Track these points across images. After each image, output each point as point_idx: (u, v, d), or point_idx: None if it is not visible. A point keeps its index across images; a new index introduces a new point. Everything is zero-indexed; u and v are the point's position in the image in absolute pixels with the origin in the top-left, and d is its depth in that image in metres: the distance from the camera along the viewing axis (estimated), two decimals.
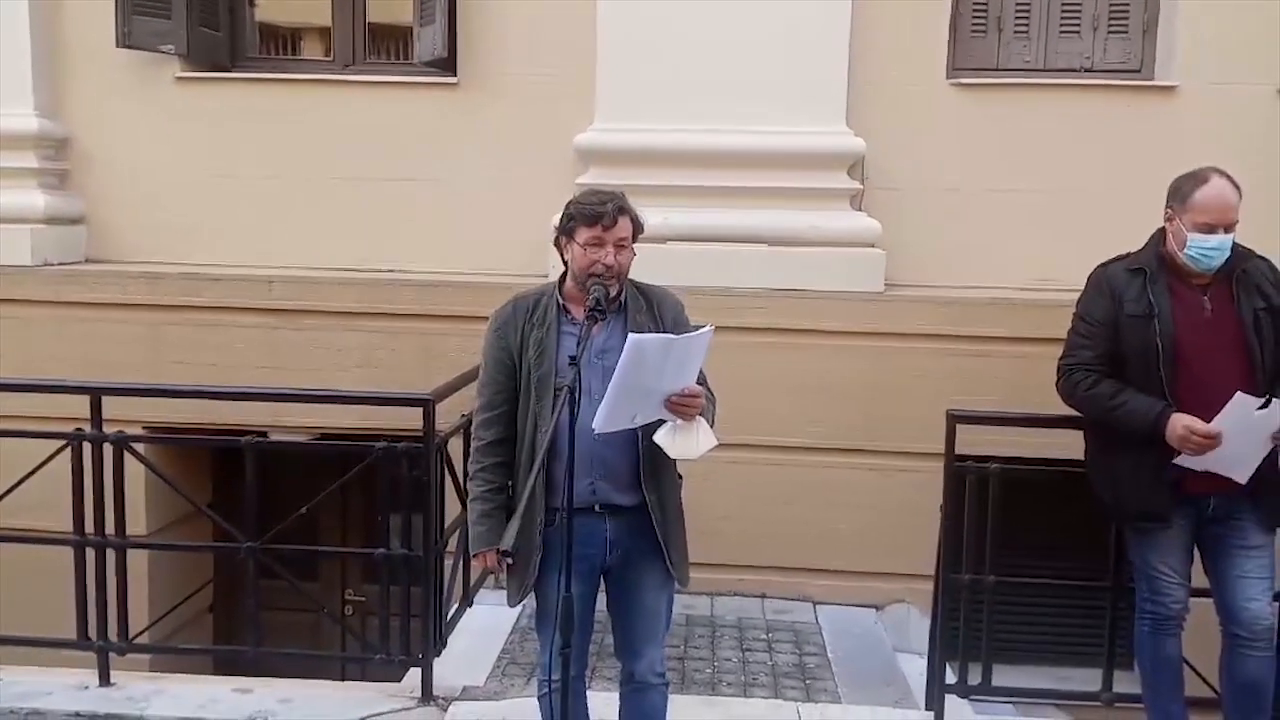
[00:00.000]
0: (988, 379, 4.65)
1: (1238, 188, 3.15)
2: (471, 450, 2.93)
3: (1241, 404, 2.97)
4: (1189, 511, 3.18)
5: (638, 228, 2.80)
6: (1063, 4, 5.16)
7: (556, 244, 2.83)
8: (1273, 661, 3.16)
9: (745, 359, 4.53)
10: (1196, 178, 3.18)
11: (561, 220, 2.79)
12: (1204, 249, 3.11)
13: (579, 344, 2.58)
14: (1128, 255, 3.30)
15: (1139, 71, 5.15)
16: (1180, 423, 3.03)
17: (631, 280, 2.84)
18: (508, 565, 2.75)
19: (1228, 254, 3.13)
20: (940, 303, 4.81)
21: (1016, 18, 5.19)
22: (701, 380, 2.78)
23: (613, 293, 2.74)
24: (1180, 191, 3.20)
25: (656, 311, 2.83)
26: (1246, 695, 3.18)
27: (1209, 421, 3.01)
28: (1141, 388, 3.13)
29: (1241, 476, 3.09)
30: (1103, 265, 3.33)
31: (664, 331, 2.74)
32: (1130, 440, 3.16)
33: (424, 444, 3.71)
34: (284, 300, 5.04)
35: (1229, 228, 3.12)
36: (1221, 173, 3.16)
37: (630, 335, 2.54)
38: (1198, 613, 3.29)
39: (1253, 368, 3.09)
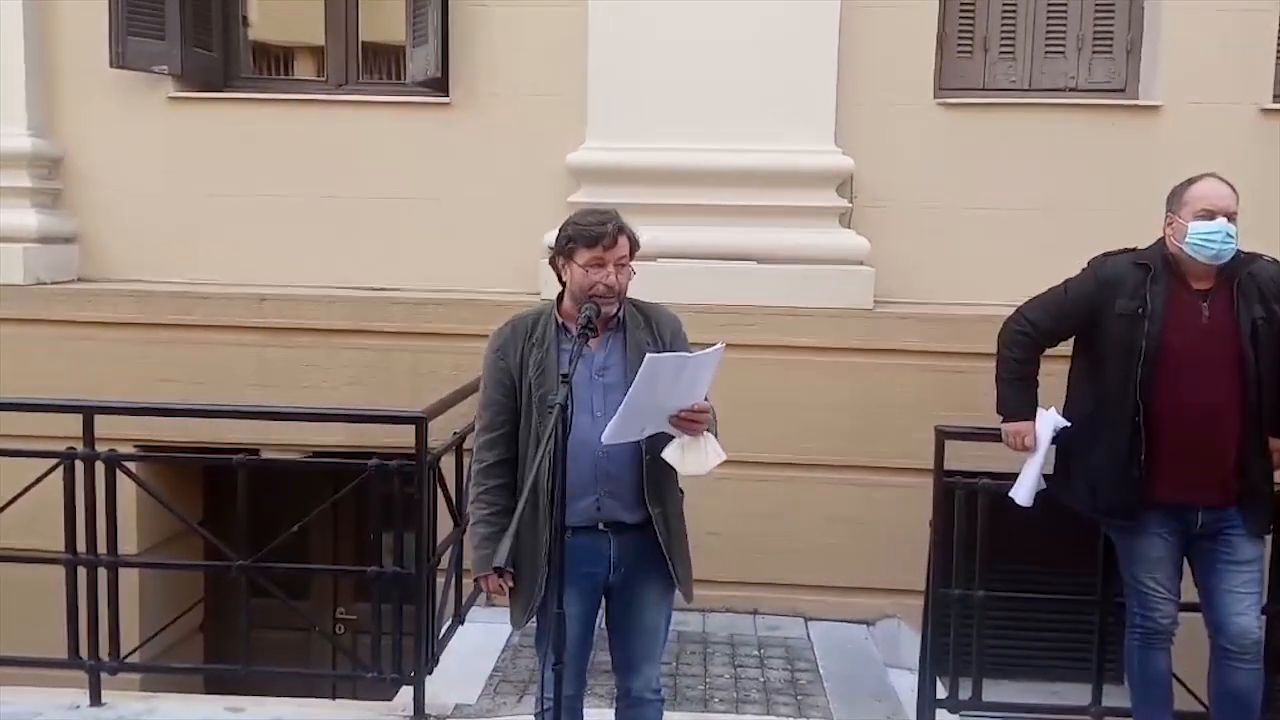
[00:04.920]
0: (976, 395, 4.64)
1: (1234, 190, 3.13)
2: (473, 472, 2.88)
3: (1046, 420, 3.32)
4: (1177, 526, 3.19)
5: (635, 245, 2.79)
6: (1048, 25, 5.22)
7: (553, 263, 2.81)
8: (1260, 675, 3.17)
9: (734, 375, 4.49)
10: (1189, 179, 3.20)
11: (559, 241, 2.77)
12: (1205, 235, 3.05)
13: (570, 361, 2.59)
14: (1135, 249, 3.26)
15: (1123, 91, 5.21)
16: (1019, 429, 3.39)
17: (629, 298, 2.84)
18: (510, 586, 2.74)
19: (1233, 246, 3.06)
20: (929, 319, 4.84)
21: (1002, 38, 5.24)
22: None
23: (611, 311, 2.75)
24: (1175, 195, 3.21)
25: (655, 329, 2.82)
26: (1234, 708, 3.19)
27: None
28: (1118, 386, 3.12)
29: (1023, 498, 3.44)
30: (1108, 254, 3.30)
31: (664, 348, 2.75)
32: (1104, 437, 3.17)
33: (416, 462, 3.71)
34: (275, 318, 5.05)
35: (1230, 216, 3.07)
36: (1214, 175, 3.18)
37: (647, 355, 2.55)
38: (1186, 627, 3.31)
39: (1245, 380, 3.06)
